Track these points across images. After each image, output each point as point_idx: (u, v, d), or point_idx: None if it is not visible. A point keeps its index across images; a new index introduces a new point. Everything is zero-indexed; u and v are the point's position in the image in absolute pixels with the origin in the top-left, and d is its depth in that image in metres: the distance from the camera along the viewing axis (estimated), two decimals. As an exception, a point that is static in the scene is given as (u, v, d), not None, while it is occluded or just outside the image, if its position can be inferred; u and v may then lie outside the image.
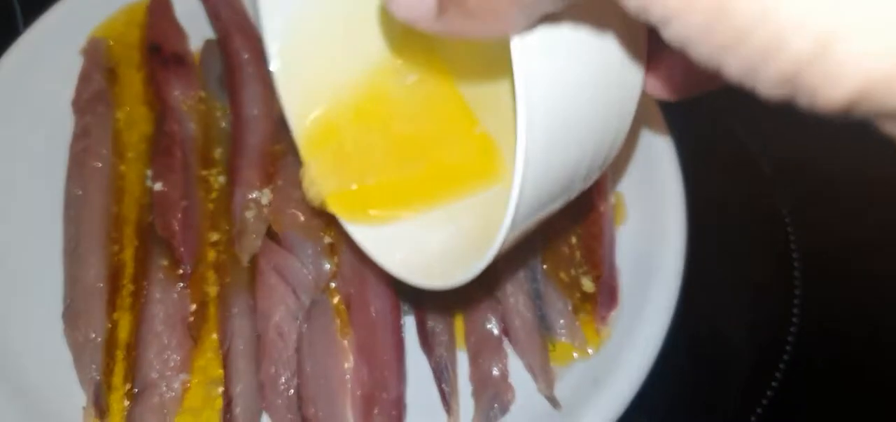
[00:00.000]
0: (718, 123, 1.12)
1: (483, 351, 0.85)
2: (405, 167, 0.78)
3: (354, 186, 0.77)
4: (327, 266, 0.89)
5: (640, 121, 1.02)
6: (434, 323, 0.86)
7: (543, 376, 0.84)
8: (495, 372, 0.84)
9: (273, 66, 0.79)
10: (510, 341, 0.87)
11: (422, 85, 0.79)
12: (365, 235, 0.77)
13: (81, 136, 0.97)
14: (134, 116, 1.02)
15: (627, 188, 0.98)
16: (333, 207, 0.78)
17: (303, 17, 0.79)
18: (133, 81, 1.04)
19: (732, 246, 1.04)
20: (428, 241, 0.76)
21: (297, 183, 0.90)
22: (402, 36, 0.79)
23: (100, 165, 0.96)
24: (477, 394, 0.84)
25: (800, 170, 1.10)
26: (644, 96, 0.66)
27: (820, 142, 1.07)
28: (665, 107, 1.03)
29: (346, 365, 0.85)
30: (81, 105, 0.99)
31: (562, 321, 0.88)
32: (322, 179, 0.78)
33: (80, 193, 0.93)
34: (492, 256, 0.64)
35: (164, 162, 0.95)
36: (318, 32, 0.79)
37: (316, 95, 0.80)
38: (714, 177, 1.07)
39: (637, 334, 0.86)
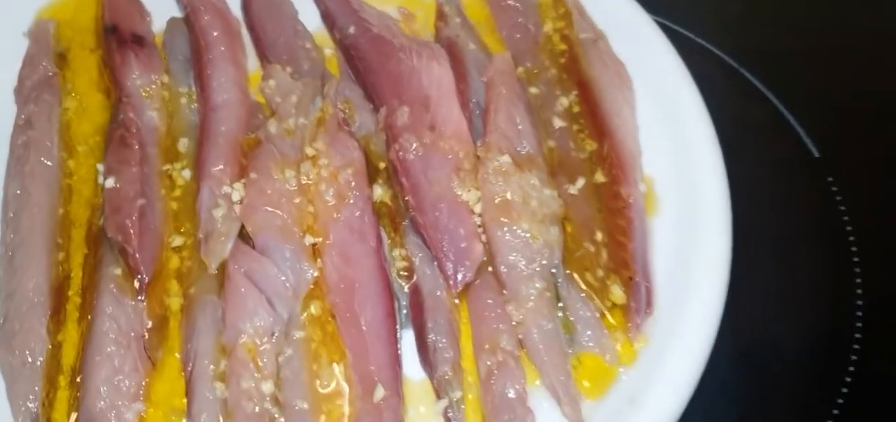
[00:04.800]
0: (759, 98, 1.03)
1: (496, 369, 0.79)
2: None
3: None
4: (309, 271, 0.84)
5: (670, 96, 0.95)
6: (436, 336, 0.81)
7: (567, 396, 0.78)
8: (511, 394, 0.78)
9: None
10: (528, 356, 0.81)
11: None
12: None
13: (24, 127, 0.93)
14: (86, 105, 0.99)
15: (659, 173, 0.92)
16: None
17: None
18: (86, 66, 1.02)
19: (782, 240, 0.96)
20: None
21: (273, 177, 0.87)
22: None
23: (45, 160, 0.91)
24: (490, 420, 0.78)
25: (852, 150, 1.02)
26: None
27: (873, 116, 1.03)
28: (699, 80, 0.95)
29: (333, 388, 0.80)
30: (25, 93, 0.96)
31: (588, 332, 0.82)
32: None
33: (20, 192, 0.89)
34: None
35: (119, 154, 0.90)
36: None
37: None
38: (756, 160, 0.98)
39: (678, 345, 0.80)
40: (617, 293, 0.84)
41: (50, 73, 0.98)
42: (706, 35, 1.04)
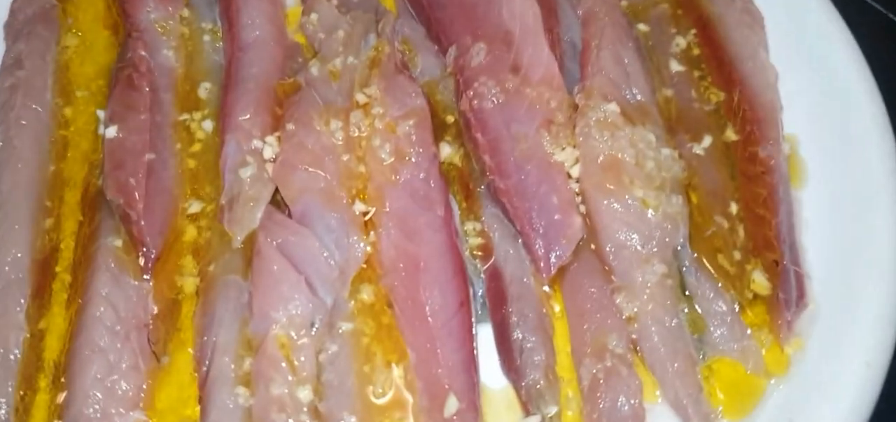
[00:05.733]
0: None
1: (603, 378, 0.71)
2: None
3: None
4: (360, 246, 0.76)
5: (814, 37, 0.84)
6: (523, 334, 0.73)
7: (699, 413, 0.70)
8: (624, 409, 0.70)
9: None
10: (644, 360, 0.74)
11: None
12: None
13: (12, 67, 0.87)
14: (90, 44, 0.93)
15: (805, 133, 0.82)
16: None
17: None
18: (92, -4, 0.94)
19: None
20: None
21: (315, 128, 0.81)
22: None
23: (35, 106, 0.85)
24: (596, 441, 0.69)
25: None
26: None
27: None
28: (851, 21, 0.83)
29: (391, 398, 0.72)
30: (17, 27, 0.89)
31: (723, 331, 0.73)
32: None
33: (2, 143, 0.82)
34: None
35: (124, 98, 0.82)
36: None
37: None
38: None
39: (848, 351, 0.70)
40: (759, 281, 0.75)
41: (48, 5, 0.91)
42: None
